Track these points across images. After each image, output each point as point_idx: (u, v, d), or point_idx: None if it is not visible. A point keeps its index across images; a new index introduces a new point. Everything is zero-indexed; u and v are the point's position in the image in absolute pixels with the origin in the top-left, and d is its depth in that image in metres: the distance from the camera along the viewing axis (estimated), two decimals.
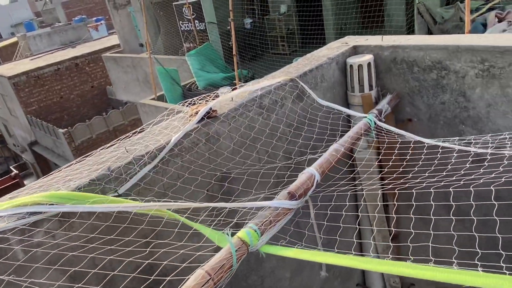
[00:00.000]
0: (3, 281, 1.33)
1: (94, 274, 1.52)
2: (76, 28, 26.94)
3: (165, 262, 1.67)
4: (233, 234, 1.41)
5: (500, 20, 6.16)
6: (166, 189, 1.75)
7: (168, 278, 1.37)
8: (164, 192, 1.74)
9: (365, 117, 2.40)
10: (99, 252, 1.53)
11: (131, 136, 1.96)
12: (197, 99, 2.29)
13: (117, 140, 1.91)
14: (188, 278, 1.20)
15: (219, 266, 1.27)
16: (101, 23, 28.05)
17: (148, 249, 1.61)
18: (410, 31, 7.93)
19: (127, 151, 1.76)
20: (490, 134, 2.28)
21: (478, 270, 1.02)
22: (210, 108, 2.03)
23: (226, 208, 1.89)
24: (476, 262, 1.32)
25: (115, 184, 1.64)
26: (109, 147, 1.85)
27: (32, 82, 18.36)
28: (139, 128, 2.05)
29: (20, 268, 1.37)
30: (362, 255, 1.30)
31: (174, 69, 10.02)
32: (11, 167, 19.46)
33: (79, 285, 1.43)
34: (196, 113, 2.05)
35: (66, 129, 15.97)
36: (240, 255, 1.34)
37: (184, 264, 1.51)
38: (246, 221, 1.90)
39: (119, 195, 1.65)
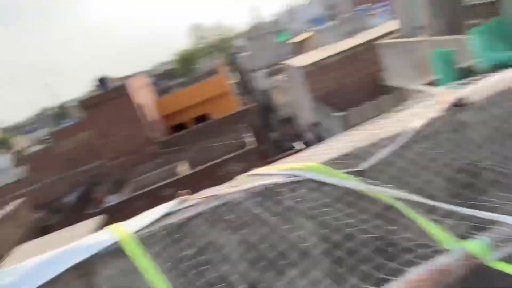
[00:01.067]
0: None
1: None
2: (356, 18, 28.68)
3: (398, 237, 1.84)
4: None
5: None
6: (400, 172, 1.89)
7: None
8: (398, 175, 1.88)
9: None
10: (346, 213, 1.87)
11: (381, 121, 2.20)
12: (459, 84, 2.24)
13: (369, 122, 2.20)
14: None
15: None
16: (383, 10, 28.47)
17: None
18: None
19: (374, 134, 2.02)
20: None
21: None
22: (461, 96, 1.99)
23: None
24: None
25: (359, 161, 1.93)
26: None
27: (318, 71, 21.18)
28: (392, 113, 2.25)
29: (286, 211, 1.89)
30: None
31: (451, 51, 9.21)
32: (293, 144, 22.90)
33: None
34: (446, 100, 2.06)
35: (342, 113, 17.63)
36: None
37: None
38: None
39: (362, 171, 1.94)
